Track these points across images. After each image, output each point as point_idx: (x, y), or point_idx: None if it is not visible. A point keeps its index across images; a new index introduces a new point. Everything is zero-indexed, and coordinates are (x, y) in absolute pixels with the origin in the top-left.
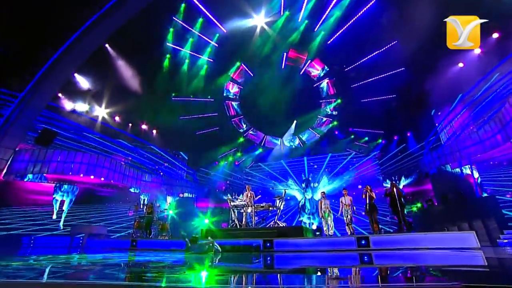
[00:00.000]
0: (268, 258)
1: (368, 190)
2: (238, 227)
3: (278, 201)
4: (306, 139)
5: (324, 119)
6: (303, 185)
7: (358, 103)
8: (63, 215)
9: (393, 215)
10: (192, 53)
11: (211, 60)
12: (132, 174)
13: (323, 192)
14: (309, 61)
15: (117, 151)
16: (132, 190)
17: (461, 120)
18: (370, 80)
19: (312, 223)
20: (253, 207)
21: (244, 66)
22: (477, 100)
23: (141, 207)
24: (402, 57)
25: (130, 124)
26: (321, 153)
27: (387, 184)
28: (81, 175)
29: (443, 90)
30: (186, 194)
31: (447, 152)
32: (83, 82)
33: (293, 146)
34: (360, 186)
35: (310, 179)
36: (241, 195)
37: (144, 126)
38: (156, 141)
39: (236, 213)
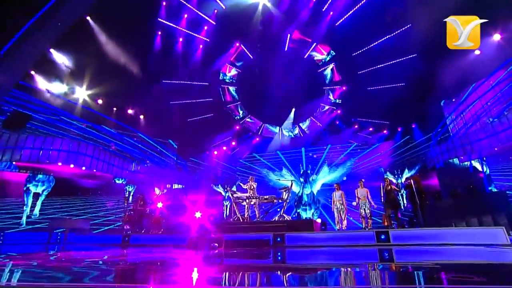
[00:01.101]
0: (279, 254)
1: (388, 183)
2: (241, 220)
3: (284, 193)
4: (307, 128)
5: (327, 107)
6: (301, 179)
7: (364, 91)
8: (37, 208)
9: (412, 209)
10: (186, 31)
11: (207, 40)
12: (118, 163)
13: (337, 184)
14: (315, 44)
15: (100, 138)
16: (116, 180)
17: (474, 111)
18: (378, 66)
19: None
20: (258, 199)
21: (243, 48)
22: (493, 90)
23: (128, 199)
24: (414, 42)
25: (115, 109)
26: (321, 144)
27: (388, 177)
28: (59, 164)
29: (455, 79)
30: (175, 186)
31: (458, 145)
32: (61, 59)
33: (292, 136)
34: (363, 180)
35: (308, 172)
36: (233, 187)
37: (130, 111)
38: (144, 128)
39: (237, 206)
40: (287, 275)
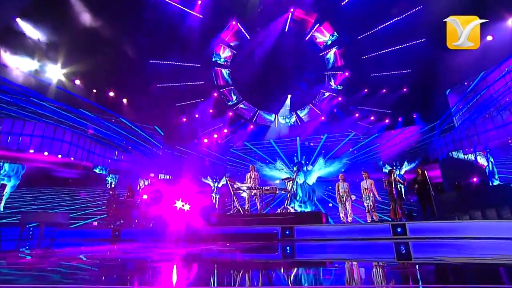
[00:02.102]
0: (289, 248)
1: (394, 175)
2: (242, 213)
3: (288, 183)
4: (305, 116)
5: (327, 94)
6: (295, 168)
7: (368, 77)
8: (3, 200)
9: (420, 202)
10: (177, 5)
11: (201, 16)
12: (99, 151)
13: (342, 174)
14: (318, 24)
15: (78, 122)
16: (97, 170)
17: (482, 101)
18: (384, 51)
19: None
20: (260, 190)
21: (240, 26)
22: (503, 79)
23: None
24: (424, 26)
25: (95, 91)
26: (319, 133)
27: (387, 170)
28: (31, 151)
29: (463, 66)
30: (161, 176)
31: (463, 136)
32: (31, 31)
33: (289, 124)
34: (367, 172)
35: (303, 161)
36: (223, 178)
37: (112, 94)
38: (127, 112)
39: (237, 197)
40: (301, 271)
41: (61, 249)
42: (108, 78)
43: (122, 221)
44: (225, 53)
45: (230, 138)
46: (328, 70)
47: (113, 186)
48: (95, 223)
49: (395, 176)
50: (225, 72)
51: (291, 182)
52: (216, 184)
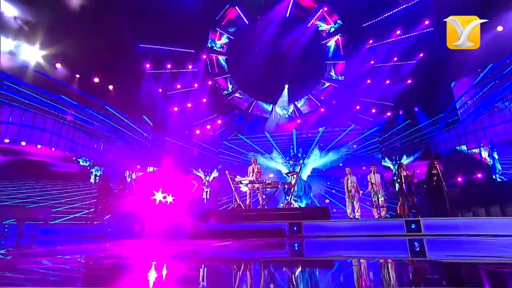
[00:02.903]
0: (297, 245)
1: (403, 168)
2: (243, 208)
3: (291, 177)
4: (304, 107)
5: (327, 84)
6: (291, 162)
7: (371, 67)
8: None
9: (433, 197)
10: None
11: None
12: (83, 141)
13: (349, 168)
14: (321, 10)
15: (59, 110)
16: (80, 161)
17: (488, 94)
18: (389, 40)
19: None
20: (263, 184)
21: (238, 10)
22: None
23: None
24: (432, 13)
25: (78, 76)
26: (316, 125)
27: (386, 163)
28: (6, 140)
29: (471, 58)
30: (150, 168)
31: (469, 131)
32: (5, 7)
33: (287, 115)
34: (375, 166)
35: (299, 155)
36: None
37: (96, 80)
38: (113, 100)
39: (237, 191)
40: (316, 272)
41: (42, 248)
42: (92, 62)
43: (107, 217)
44: (221, 39)
45: (224, 129)
46: (329, 59)
47: (94, 179)
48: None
49: (405, 169)
50: (221, 59)
51: (295, 175)
52: (207, 178)
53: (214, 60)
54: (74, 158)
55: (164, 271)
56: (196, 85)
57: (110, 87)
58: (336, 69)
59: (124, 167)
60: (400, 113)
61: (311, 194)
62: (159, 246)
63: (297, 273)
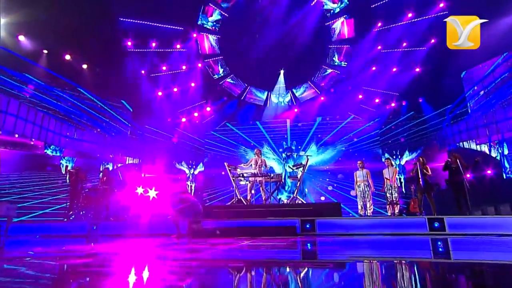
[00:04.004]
0: (311, 245)
1: (422, 162)
2: (245, 203)
3: (298, 171)
4: (302, 96)
5: (329, 70)
6: (284, 155)
7: (377, 53)
8: None
9: (453, 193)
10: None
11: None
12: (53, 127)
13: (360, 161)
14: None
15: (24, 91)
16: (48, 151)
17: (502, 85)
18: (398, 24)
19: None
20: (267, 177)
21: None
22: None
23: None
24: None
25: (46, 52)
26: (316, 114)
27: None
28: None
29: (484, 46)
30: (129, 160)
31: (480, 124)
32: None
33: (283, 104)
34: (390, 158)
35: (293, 147)
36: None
37: (68, 57)
38: (88, 82)
39: (237, 185)
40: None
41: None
42: (63, 36)
43: (83, 212)
44: (213, 16)
45: (213, 117)
46: (332, 43)
47: (65, 171)
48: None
49: (422, 164)
50: (212, 39)
51: (301, 168)
52: (192, 171)
53: (205, 40)
54: (42, 146)
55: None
56: (184, 67)
57: (84, 66)
58: (339, 54)
59: (100, 158)
60: (403, 104)
61: (306, 189)
62: (152, 247)
63: (316, 278)
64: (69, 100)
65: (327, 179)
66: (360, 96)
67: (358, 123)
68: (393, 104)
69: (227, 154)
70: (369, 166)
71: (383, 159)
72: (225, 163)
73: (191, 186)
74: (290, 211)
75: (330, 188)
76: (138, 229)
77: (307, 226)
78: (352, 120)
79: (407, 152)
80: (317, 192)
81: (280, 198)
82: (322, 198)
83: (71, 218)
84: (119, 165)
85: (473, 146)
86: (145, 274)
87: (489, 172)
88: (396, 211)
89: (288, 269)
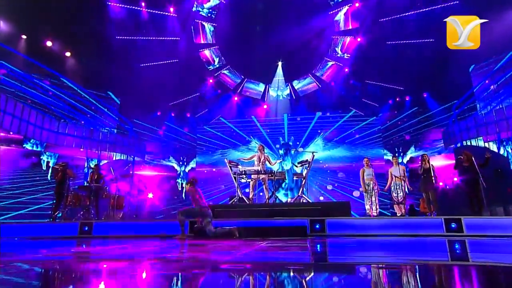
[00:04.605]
0: (321, 246)
1: (426, 160)
2: (247, 202)
3: (303, 168)
4: (301, 89)
5: (331, 63)
6: (281, 151)
7: (383, 45)
8: None
9: (467, 193)
10: None
11: None
12: (34, 120)
13: (367, 159)
14: None
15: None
16: (28, 146)
17: None
18: (406, 14)
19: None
20: (272, 175)
21: None
22: None
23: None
24: None
25: (24, 37)
26: (315, 108)
27: (387, 156)
28: None
29: (495, 39)
30: (117, 156)
31: (490, 120)
32: None
33: (282, 97)
34: (397, 157)
35: (290, 143)
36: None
37: (49, 44)
38: (72, 71)
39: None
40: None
41: None
42: (44, 21)
43: (66, 211)
44: (210, 2)
45: (207, 111)
46: (335, 33)
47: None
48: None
49: (428, 162)
50: (208, 27)
51: (307, 165)
52: (182, 168)
53: (200, 28)
54: (21, 140)
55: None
56: (176, 60)
57: (67, 53)
58: (342, 46)
59: (85, 153)
60: (407, 99)
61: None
62: (153, 249)
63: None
64: (51, 91)
65: (328, 178)
66: (363, 90)
67: (360, 119)
68: (397, 99)
69: (220, 150)
70: (374, 164)
71: (385, 157)
72: (225, 159)
73: (181, 183)
74: (298, 210)
75: (329, 187)
76: (135, 230)
77: (317, 226)
78: (353, 115)
79: (412, 148)
80: (315, 191)
81: (277, 197)
82: (321, 198)
83: (57, 219)
84: (104, 162)
85: (481, 143)
86: None
87: (499, 170)
88: (403, 211)
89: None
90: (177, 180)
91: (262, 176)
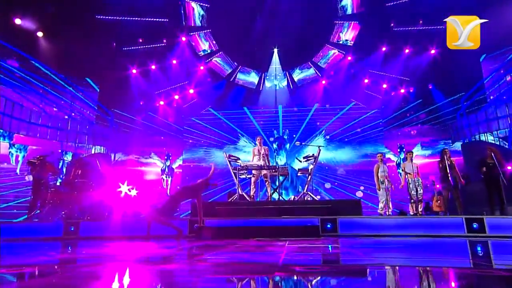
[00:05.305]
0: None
1: (448, 155)
2: (249, 200)
3: (308, 163)
4: (300, 79)
5: (333, 51)
6: (275, 145)
7: (388, 32)
8: None
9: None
10: None
11: None
12: (2, 107)
13: (380, 154)
14: None
15: None
16: None
17: None
18: None
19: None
20: (276, 170)
21: None
22: None
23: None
24: None
25: None
26: (312, 101)
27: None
28: None
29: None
30: (96, 149)
31: (502, 114)
32: None
33: (279, 87)
34: (412, 152)
35: (285, 137)
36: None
37: (18, 22)
38: (45, 54)
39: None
40: None
41: None
42: None
43: (46, 210)
44: None
45: (196, 101)
46: (339, 18)
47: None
48: None
49: (449, 157)
50: (198, 8)
51: (313, 160)
52: (167, 163)
53: (191, 9)
54: None
55: None
56: (164, 40)
57: (40, 34)
58: (346, 32)
59: (61, 148)
60: (411, 90)
61: (299, 185)
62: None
63: None
64: (20, 75)
65: (326, 175)
66: (366, 81)
67: (361, 111)
68: (402, 90)
69: (205, 144)
70: (371, 160)
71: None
72: (223, 153)
73: (166, 180)
74: (307, 209)
75: (328, 185)
76: (126, 231)
77: (328, 226)
78: (354, 107)
79: (418, 146)
80: (311, 190)
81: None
82: (318, 197)
83: (34, 219)
84: (84, 155)
85: (490, 138)
86: None
87: (509, 168)
88: (420, 210)
89: None
90: (161, 177)
91: (264, 172)
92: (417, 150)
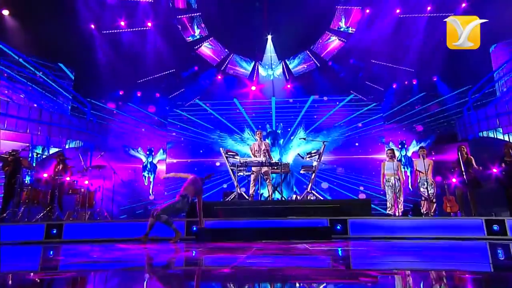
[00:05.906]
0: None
1: (465, 152)
2: (249, 199)
3: (312, 159)
4: (296, 68)
5: (333, 38)
6: (268, 140)
7: (391, 18)
8: None
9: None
10: None
11: None
12: None
13: (391, 150)
14: None
15: None
16: None
17: None
18: None
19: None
20: (278, 166)
21: None
22: None
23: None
24: None
25: None
26: (309, 92)
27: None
28: None
29: None
30: (69, 143)
31: None
32: None
33: (273, 77)
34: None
35: (278, 131)
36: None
37: None
38: (12, 35)
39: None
40: None
41: None
42: None
43: (21, 211)
44: None
45: (182, 92)
46: (340, 3)
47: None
48: None
49: (465, 153)
50: None
51: (317, 157)
52: (150, 159)
53: None
54: None
55: None
56: (149, 24)
57: (5, 12)
58: (347, 18)
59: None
60: (414, 83)
61: (293, 183)
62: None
63: None
64: None
65: (323, 174)
66: (367, 72)
67: (361, 104)
68: (406, 82)
69: (190, 138)
70: (372, 157)
71: (386, 148)
72: (221, 149)
73: (148, 177)
74: (314, 209)
75: (325, 185)
76: (118, 232)
77: (338, 227)
78: (353, 99)
79: (414, 142)
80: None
81: (262, 194)
82: (311, 198)
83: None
84: (60, 149)
85: (500, 135)
86: None
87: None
88: (432, 209)
89: None
90: (143, 173)
91: (264, 169)
92: (413, 148)
